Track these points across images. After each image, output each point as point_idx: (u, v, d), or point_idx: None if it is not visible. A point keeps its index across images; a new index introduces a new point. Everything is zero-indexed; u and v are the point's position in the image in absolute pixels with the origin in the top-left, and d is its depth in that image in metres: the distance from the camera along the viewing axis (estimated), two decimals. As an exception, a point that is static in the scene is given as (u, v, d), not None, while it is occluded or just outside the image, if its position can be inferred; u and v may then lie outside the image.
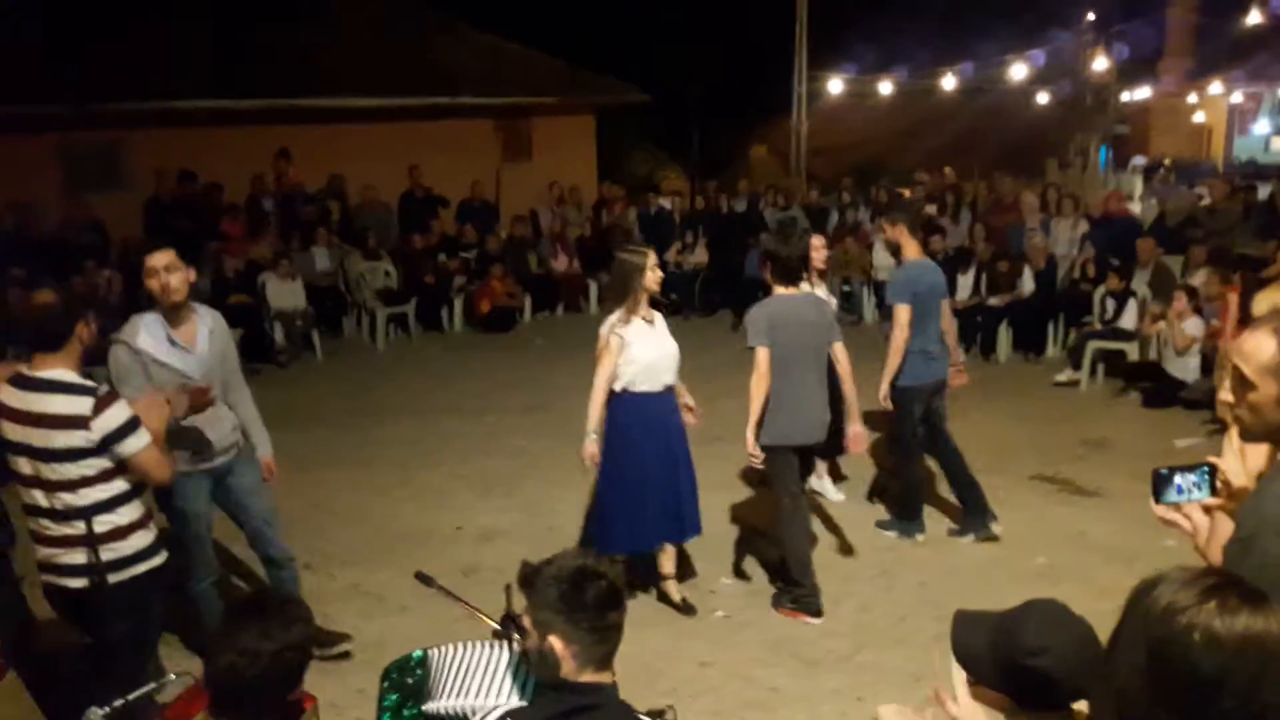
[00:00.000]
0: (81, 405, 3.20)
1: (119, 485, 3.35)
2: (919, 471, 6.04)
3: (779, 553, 5.21)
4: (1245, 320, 7.36)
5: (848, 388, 5.05)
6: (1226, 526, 2.28)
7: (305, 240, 11.67)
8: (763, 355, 4.77)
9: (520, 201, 14.23)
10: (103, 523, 3.32)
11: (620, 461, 4.78)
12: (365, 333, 11.61)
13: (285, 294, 10.71)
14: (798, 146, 20.52)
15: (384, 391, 9.45)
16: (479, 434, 8.09)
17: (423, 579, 3.02)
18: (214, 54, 13.15)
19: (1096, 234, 10.85)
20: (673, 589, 5.13)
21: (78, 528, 3.29)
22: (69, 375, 3.27)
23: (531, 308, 12.54)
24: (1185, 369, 8.41)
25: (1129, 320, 9.21)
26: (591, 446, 4.73)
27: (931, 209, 12.58)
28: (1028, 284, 10.25)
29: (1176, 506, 2.35)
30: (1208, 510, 2.37)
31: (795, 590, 5.03)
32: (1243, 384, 2.19)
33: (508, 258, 12.50)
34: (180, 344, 3.99)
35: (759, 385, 4.78)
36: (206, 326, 4.10)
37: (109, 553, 3.33)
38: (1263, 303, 2.90)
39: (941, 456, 5.93)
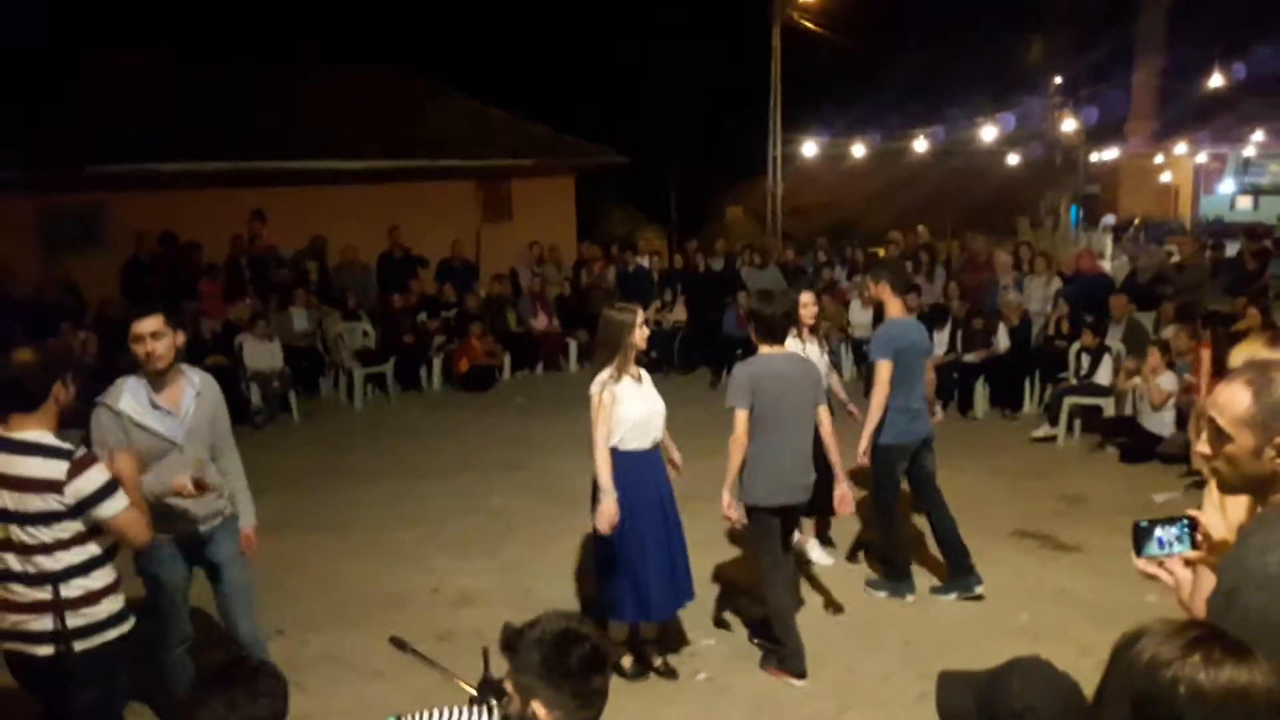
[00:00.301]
0: (56, 469, 3.15)
1: (93, 548, 3.28)
2: (902, 529, 6.02)
3: (762, 610, 5.16)
4: (1220, 374, 7.45)
5: (831, 448, 5.04)
6: (1209, 580, 2.27)
7: (282, 301, 11.64)
8: (741, 417, 4.74)
9: (500, 261, 14.31)
10: (75, 587, 3.24)
11: (624, 538, 4.65)
12: (343, 393, 11.53)
13: (262, 355, 10.64)
14: (773, 207, 20.82)
15: (361, 452, 9.37)
16: (457, 494, 8.01)
17: (397, 643, 2.96)
18: (196, 116, 13.25)
19: (1069, 291, 11.00)
20: (653, 652, 5.05)
21: (40, 594, 3.21)
22: (45, 437, 3.22)
23: (511, 366, 12.53)
24: (1161, 424, 8.47)
25: (1104, 376, 9.30)
26: (611, 507, 4.54)
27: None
28: (1003, 341, 10.34)
29: (1158, 561, 2.35)
30: (1189, 564, 2.37)
31: (780, 650, 4.96)
32: (1219, 436, 2.20)
33: (487, 316, 12.52)
34: (162, 407, 3.91)
35: (736, 447, 4.76)
36: (194, 389, 4.01)
37: (80, 618, 3.24)
38: (1239, 355, 2.93)
39: (932, 513, 5.90)
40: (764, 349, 4.87)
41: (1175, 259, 12.45)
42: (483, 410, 11.00)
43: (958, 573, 5.84)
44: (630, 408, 4.65)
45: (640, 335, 4.69)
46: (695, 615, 5.48)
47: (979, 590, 5.80)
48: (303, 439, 10.01)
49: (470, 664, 2.79)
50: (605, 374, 4.67)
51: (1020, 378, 10.31)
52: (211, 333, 10.64)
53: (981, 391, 10.33)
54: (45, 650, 3.23)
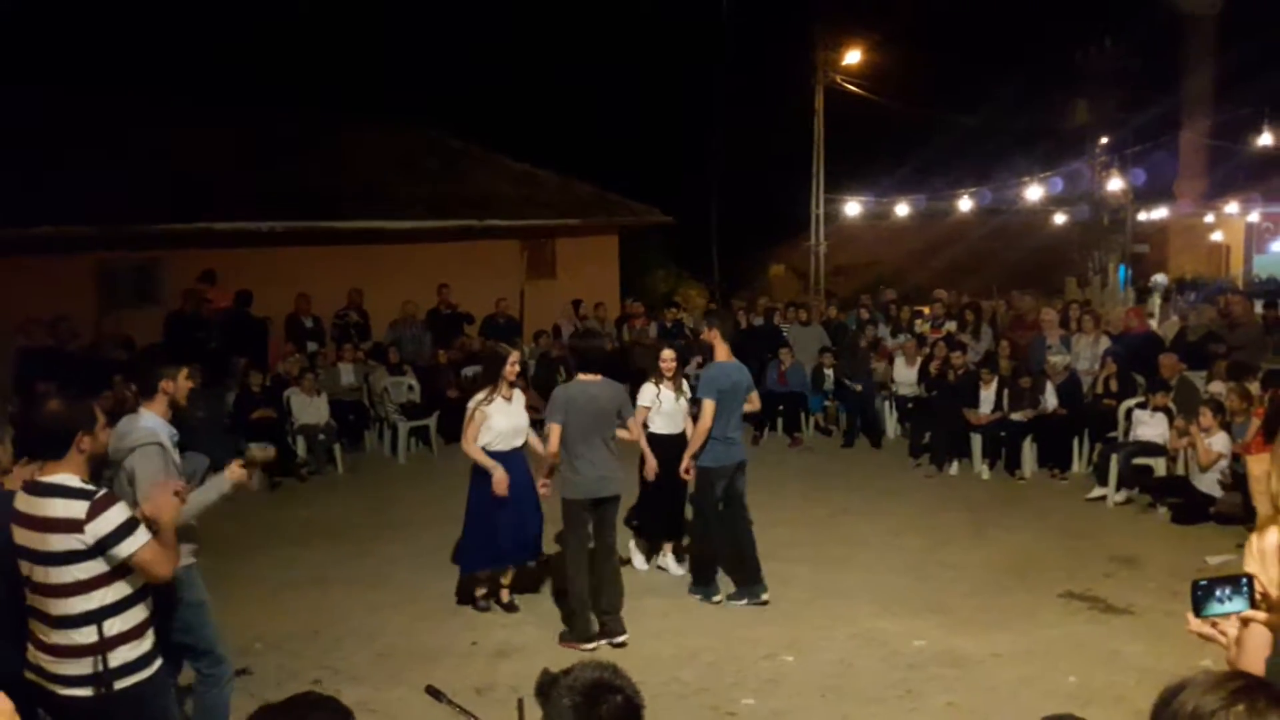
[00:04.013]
0: (77, 509, 3.24)
1: (116, 592, 3.33)
2: (715, 542, 6.68)
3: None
4: (1270, 437, 7.28)
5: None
6: (1261, 639, 2.22)
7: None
8: (554, 431, 5.94)
9: (544, 318, 14.44)
10: (88, 633, 3.28)
11: (479, 502, 6.30)
12: (387, 446, 11.64)
13: (309, 409, 10.80)
14: (816, 265, 20.87)
15: (403, 505, 9.40)
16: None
17: (433, 693, 2.95)
18: (248, 176, 13.62)
19: (1118, 349, 10.80)
20: (505, 595, 6.57)
21: (73, 636, 3.28)
22: (70, 480, 3.32)
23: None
24: (1212, 485, 8.26)
25: (1154, 434, 9.09)
26: (502, 475, 6.15)
27: (951, 325, 12.64)
28: (1050, 399, 10.18)
29: (1214, 622, 2.30)
30: (1244, 622, 2.31)
31: (573, 622, 6.00)
32: None
33: (539, 371, 12.61)
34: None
35: (550, 451, 6.02)
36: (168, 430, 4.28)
37: (103, 662, 3.28)
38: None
39: (736, 527, 6.66)
40: (580, 376, 6.09)
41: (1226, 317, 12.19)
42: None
43: (749, 581, 6.62)
44: (497, 421, 6.24)
45: (511, 370, 6.26)
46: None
47: (765, 597, 6.57)
48: (347, 491, 10.09)
49: (506, 717, 2.77)
50: (481, 395, 6.29)
51: (1069, 437, 10.14)
52: (260, 386, 10.80)
53: (1029, 451, 10.16)
54: (68, 691, 3.28)
